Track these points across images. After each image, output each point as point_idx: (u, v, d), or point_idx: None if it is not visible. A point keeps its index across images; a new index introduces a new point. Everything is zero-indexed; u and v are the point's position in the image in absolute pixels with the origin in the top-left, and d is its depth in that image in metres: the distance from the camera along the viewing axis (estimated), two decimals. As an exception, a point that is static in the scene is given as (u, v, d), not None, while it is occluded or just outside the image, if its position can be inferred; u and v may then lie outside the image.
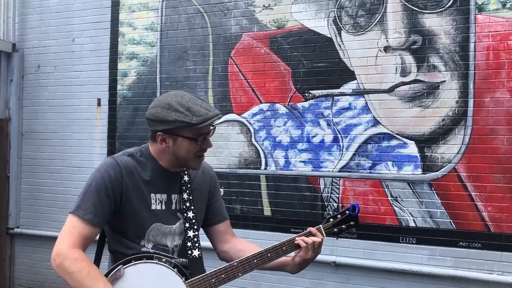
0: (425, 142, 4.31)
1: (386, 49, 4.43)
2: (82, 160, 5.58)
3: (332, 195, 4.60)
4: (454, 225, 4.21)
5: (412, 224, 4.34)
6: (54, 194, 5.73)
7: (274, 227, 4.75)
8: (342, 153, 4.58)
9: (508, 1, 4.09)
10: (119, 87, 5.49)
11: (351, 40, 4.56)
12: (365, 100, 4.50)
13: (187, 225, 2.07)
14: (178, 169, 2.09)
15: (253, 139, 4.90)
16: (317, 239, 2.09)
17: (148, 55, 5.37)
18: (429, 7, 4.30)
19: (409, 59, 4.35)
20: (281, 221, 4.75)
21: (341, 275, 4.57)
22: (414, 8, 4.34)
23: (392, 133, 4.42)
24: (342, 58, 4.58)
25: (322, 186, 4.63)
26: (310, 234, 2.12)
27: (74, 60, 5.72)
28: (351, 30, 4.57)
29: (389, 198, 4.41)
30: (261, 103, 4.87)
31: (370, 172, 4.47)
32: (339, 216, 2.20)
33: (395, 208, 4.39)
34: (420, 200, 4.32)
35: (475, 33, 4.17)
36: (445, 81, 4.26)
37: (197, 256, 2.05)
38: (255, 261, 2.04)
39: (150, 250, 2.00)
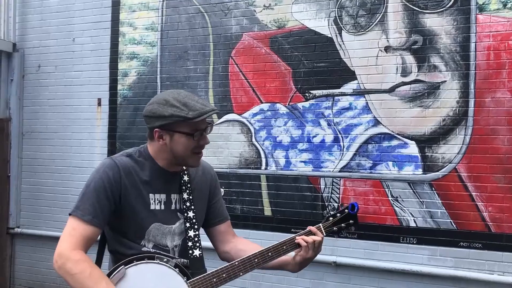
0: (426, 142, 4.31)
1: (387, 49, 4.43)
2: (83, 160, 5.58)
3: (332, 195, 4.59)
4: (454, 225, 4.21)
5: (412, 224, 4.34)
6: (54, 194, 5.73)
7: (274, 227, 4.75)
8: (342, 153, 4.58)
9: (509, 1, 4.09)
10: (119, 87, 5.49)
11: (352, 40, 4.55)
12: (366, 100, 4.50)
13: (187, 225, 2.07)
14: (177, 169, 2.08)
15: (253, 139, 4.90)
16: (317, 238, 2.10)
17: (148, 55, 5.37)
18: (430, 7, 4.30)
19: (409, 59, 4.35)
20: (281, 221, 4.74)
21: (342, 275, 4.57)
22: (414, 8, 4.34)
23: (392, 133, 4.41)
24: (343, 58, 4.58)
25: (322, 186, 4.63)
26: (310, 233, 2.13)
27: (74, 60, 5.72)
28: (351, 30, 4.56)
29: (390, 198, 4.41)
30: (262, 103, 4.87)
31: (370, 172, 4.47)
32: (338, 215, 2.21)
33: (396, 208, 4.39)
34: (421, 200, 4.32)
35: (475, 33, 4.17)
36: (445, 81, 4.26)
37: (198, 256, 2.05)
38: (256, 260, 2.05)
39: (151, 250, 2.00)
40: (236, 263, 2.03)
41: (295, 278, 4.50)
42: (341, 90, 4.58)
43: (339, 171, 4.58)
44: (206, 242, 2.20)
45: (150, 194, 2.02)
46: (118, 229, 2.02)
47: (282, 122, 4.79)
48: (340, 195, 4.57)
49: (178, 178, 2.10)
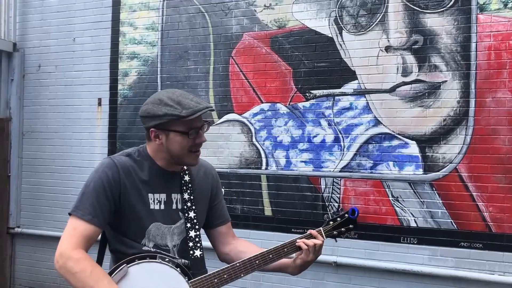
0: (426, 142, 4.31)
1: (387, 49, 4.42)
2: (83, 160, 5.58)
3: (333, 195, 4.59)
4: (455, 225, 4.21)
5: (413, 224, 4.34)
6: (54, 193, 5.73)
7: (275, 227, 4.75)
8: (343, 153, 4.57)
9: (509, 1, 4.09)
10: (120, 86, 5.49)
11: (352, 40, 4.55)
12: (366, 100, 4.50)
13: (188, 225, 2.07)
14: (176, 168, 2.08)
15: (254, 139, 4.90)
16: (318, 241, 2.12)
17: (149, 55, 5.37)
18: (431, 7, 4.30)
19: (410, 59, 4.35)
20: (282, 221, 4.74)
21: (342, 275, 4.57)
22: (415, 8, 4.34)
23: (393, 133, 4.41)
24: (343, 58, 4.58)
25: (323, 186, 4.63)
26: (311, 236, 2.15)
27: (75, 60, 5.72)
28: (352, 30, 4.56)
29: (390, 198, 4.41)
30: (262, 103, 4.87)
31: (371, 172, 4.47)
32: (338, 219, 2.24)
33: (396, 208, 4.39)
34: (421, 200, 4.31)
35: (476, 33, 4.17)
36: (446, 81, 4.25)
37: (198, 256, 2.05)
38: (257, 262, 2.05)
39: (151, 249, 2.00)
40: (237, 264, 2.03)
41: (296, 278, 4.45)
42: (342, 90, 4.58)
43: (340, 171, 4.57)
44: (206, 243, 2.20)
45: (149, 194, 2.02)
46: (118, 229, 2.02)
47: (283, 122, 4.78)
48: (341, 195, 4.57)
49: (178, 178, 2.10)
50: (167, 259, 1.97)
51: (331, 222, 2.22)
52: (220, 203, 2.25)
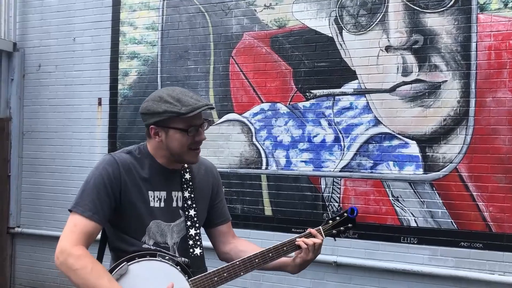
0: (427, 142, 4.31)
1: (388, 48, 4.42)
2: (83, 160, 5.57)
3: (333, 195, 4.59)
4: (455, 225, 4.21)
5: (413, 224, 4.34)
6: (55, 193, 5.73)
7: (275, 227, 4.75)
8: (343, 153, 4.57)
9: (509, 1, 4.09)
10: (120, 86, 5.49)
11: (353, 39, 4.55)
12: (366, 100, 4.50)
13: (188, 223, 2.07)
14: (177, 166, 2.08)
15: (254, 139, 4.90)
16: (317, 240, 2.12)
17: (149, 55, 5.37)
18: (431, 7, 4.30)
19: (410, 58, 4.35)
20: (282, 221, 4.74)
21: (342, 275, 4.57)
22: (415, 7, 4.34)
23: (393, 133, 4.41)
24: (344, 57, 4.58)
25: (323, 186, 4.63)
26: (311, 235, 2.15)
27: (75, 60, 5.72)
28: (352, 29, 4.56)
29: (390, 198, 4.41)
30: (262, 102, 4.87)
31: (371, 172, 4.47)
32: (337, 218, 2.24)
33: (396, 208, 4.38)
34: (422, 200, 4.31)
35: (476, 32, 4.17)
36: (446, 80, 4.25)
37: (198, 254, 2.05)
38: (256, 260, 2.06)
39: (151, 247, 2.00)
40: (237, 262, 2.03)
41: (296, 278, 4.49)
42: (342, 89, 4.58)
43: (340, 171, 4.57)
44: (206, 242, 2.20)
45: (150, 192, 2.02)
46: (118, 226, 2.02)
47: (283, 122, 4.78)
48: (341, 195, 4.57)
49: (179, 176, 2.10)
50: (167, 257, 1.97)
51: (331, 221, 2.23)
52: (221, 202, 2.25)
